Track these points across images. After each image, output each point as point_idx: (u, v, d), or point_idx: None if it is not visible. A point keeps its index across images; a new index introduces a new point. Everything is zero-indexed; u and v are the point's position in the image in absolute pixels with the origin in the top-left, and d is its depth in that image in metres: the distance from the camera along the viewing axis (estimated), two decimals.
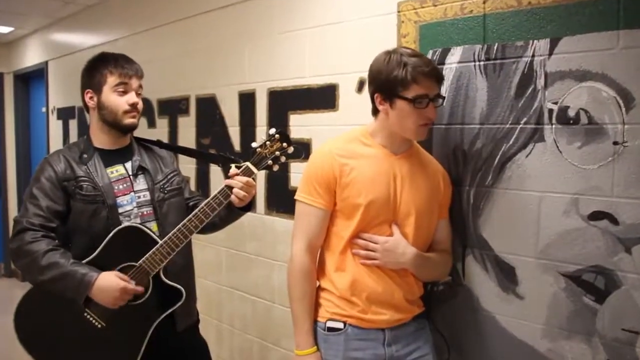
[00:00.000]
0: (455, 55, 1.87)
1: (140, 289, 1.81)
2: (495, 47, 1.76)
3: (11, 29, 5.09)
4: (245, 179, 1.81)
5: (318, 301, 1.74)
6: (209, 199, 1.83)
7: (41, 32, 5.10)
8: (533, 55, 1.68)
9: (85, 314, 1.82)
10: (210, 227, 1.99)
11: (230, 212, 1.93)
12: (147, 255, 1.81)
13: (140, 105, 1.95)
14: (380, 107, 1.68)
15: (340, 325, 1.68)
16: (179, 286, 1.87)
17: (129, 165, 1.96)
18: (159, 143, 2.13)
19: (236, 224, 2.09)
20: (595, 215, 1.58)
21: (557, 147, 1.64)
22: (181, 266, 1.96)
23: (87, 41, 4.21)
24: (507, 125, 1.75)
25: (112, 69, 1.90)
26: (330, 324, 1.70)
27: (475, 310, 1.87)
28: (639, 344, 1.52)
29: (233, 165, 1.84)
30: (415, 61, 1.58)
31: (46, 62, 4.89)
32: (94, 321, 1.83)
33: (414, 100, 1.59)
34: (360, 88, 2.19)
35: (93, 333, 1.82)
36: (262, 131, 2.57)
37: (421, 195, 1.70)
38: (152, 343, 1.86)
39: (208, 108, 2.98)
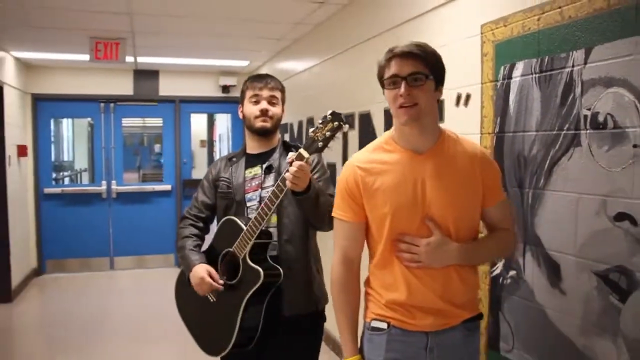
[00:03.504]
0: (518, 70, 2.04)
1: (220, 285, 2.09)
2: (546, 60, 1.91)
3: (247, 62, 6.33)
4: (297, 163, 1.85)
5: (366, 302, 1.76)
6: (274, 186, 1.98)
7: (268, 64, 6.20)
8: (573, 66, 1.79)
9: None
10: (307, 219, 2.10)
11: (298, 199, 1.99)
12: (236, 242, 2.08)
13: (271, 112, 2.21)
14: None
15: (384, 325, 1.68)
16: (259, 267, 2.03)
17: (265, 165, 2.23)
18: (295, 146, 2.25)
19: None
20: (620, 217, 1.63)
21: (590, 151, 1.73)
22: (294, 256, 2.14)
23: (296, 68, 5.06)
24: (555, 132, 1.87)
25: (248, 85, 2.26)
26: (374, 323, 1.70)
27: (531, 303, 2.00)
28: None
29: (291, 154, 1.91)
30: (393, 47, 1.61)
31: None
32: (209, 296, 2.18)
33: (385, 82, 1.61)
34: (457, 102, 2.45)
35: (210, 304, 2.19)
36: None
37: (452, 191, 1.62)
38: (265, 325, 2.08)
39: (365, 123, 3.47)
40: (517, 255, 2.07)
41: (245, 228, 2.04)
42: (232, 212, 2.20)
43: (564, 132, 1.83)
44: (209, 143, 10.85)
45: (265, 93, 2.22)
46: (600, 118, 1.69)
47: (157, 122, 7.76)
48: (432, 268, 1.62)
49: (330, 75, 4.00)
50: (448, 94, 2.53)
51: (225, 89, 7.28)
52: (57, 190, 6.91)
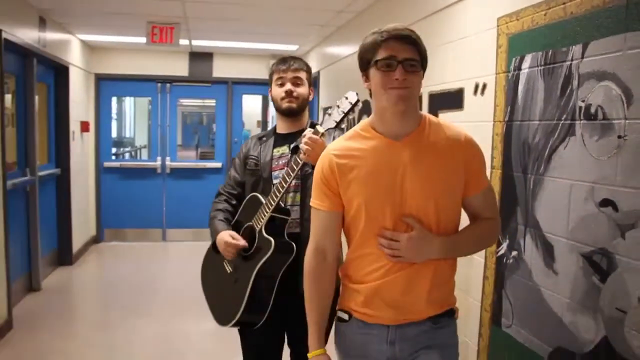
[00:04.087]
0: (527, 62, 2.16)
1: (242, 243, 2.15)
2: (549, 54, 2.02)
3: (297, 46, 6.53)
4: (311, 136, 1.95)
5: (341, 291, 1.74)
6: (290, 160, 2.08)
7: (316, 48, 6.38)
8: (572, 60, 1.90)
9: (224, 262, 2.28)
10: None
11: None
12: (255, 216, 2.18)
13: (296, 93, 2.26)
14: (366, 87, 1.62)
15: (346, 316, 1.67)
16: (269, 238, 2.09)
17: (292, 145, 2.27)
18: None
19: None
20: (604, 202, 1.75)
21: (583, 140, 1.85)
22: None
23: (341, 53, 5.22)
24: (554, 121, 1.99)
25: (274, 68, 2.33)
26: (339, 314, 1.70)
27: (529, 282, 2.13)
28: (627, 322, 1.66)
29: (309, 129, 2.03)
30: (386, 27, 1.55)
31: (318, 72, 6.13)
32: (227, 267, 2.27)
33: (378, 62, 1.53)
34: (475, 91, 2.57)
35: (226, 275, 2.27)
36: None
37: (433, 179, 1.56)
38: (283, 297, 2.13)
39: None
40: (519, 237, 2.20)
41: (264, 202, 2.14)
42: (259, 189, 2.28)
43: (562, 122, 1.95)
44: (263, 123, 11.21)
45: (289, 75, 2.27)
46: (592, 109, 1.80)
47: (213, 102, 8.11)
48: (405, 263, 1.56)
49: None
50: (467, 83, 2.66)
51: None
52: (116, 164, 7.40)
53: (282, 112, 2.31)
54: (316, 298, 1.68)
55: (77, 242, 6.18)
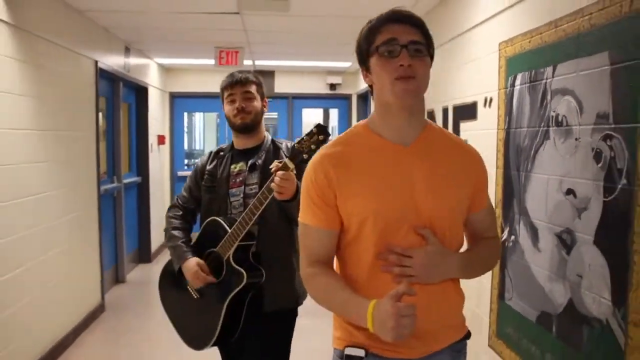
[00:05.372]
0: (518, 80, 2.63)
1: (210, 279, 2.13)
2: (533, 73, 2.48)
3: (349, 63, 7.11)
4: (281, 173, 1.92)
5: (336, 326, 1.49)
6: (259, 193, 2.03)
7: None
8: (546, 78, 2.36)
9: (188, 286, 2.25)
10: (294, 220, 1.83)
11: (285, 205, 2.04)
12: (220, 243, 2.13)
13: (248, 108, 2.21)
14: (367, 82, 1.45)
15: (361, 353, 1.39)
16: (242, 269, 2.08)
17: (250, 162, 2.24)
18: (286, 146, 2.30)
19: None
20: (568, 191, 2.20)
21: (554, 143, 2.30)
22: (275, 254, 2.18)
23: None
24: (536, 128, 2.45)
25: (223, 86, 2.28)
26: (348, 351, 1.41)
27: (522, 261, 2.59)
28: (583, 285, 2.10)
29: (275, 161, 2.00)
30: (383, 12, 1.39)
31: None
32: (192, 293, 2.24)
33: (379, 47, 1.35)
34: (485, 104, 3.05)
35: (192, 302, 2.25)
36: None
37: (446, 191, 1.41)
38: (246, 318, 2.16)
39: (430, 119, 4.11)
40: (515, 224, 2.66)
41: (229, 231, 2.10)
42: (215, 206, 2.24)
43: (541, 128, 2.41)
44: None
45: (239, 90, 2.22)
46: (560, 118, 2.26)
47: (275, 115, 8.82)
48: (424, 284, 1.36)
49: None
50: (479, 97, 3.14)
51: (332, 86, 8.14)
52: (188, 172, 8.17)
53: (237, 129, 2.26)
54: (336, 296, 1.39)
55: (155, 242, 6.96)
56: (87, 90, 4.58)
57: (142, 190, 6.71)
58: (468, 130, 3.32)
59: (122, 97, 5.82)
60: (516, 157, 2.66)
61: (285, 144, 2.31)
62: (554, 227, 2.31)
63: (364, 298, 1.32)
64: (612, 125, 1.90)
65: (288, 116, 8.34)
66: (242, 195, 2.21)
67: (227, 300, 2.11)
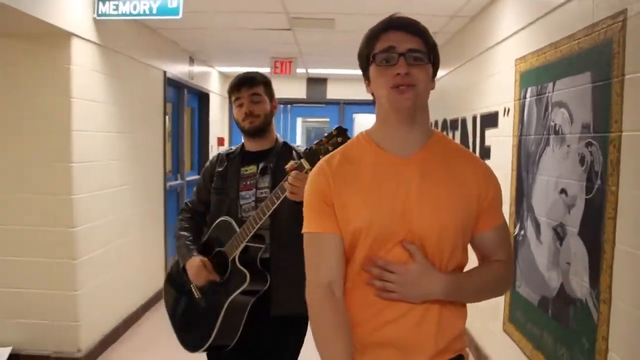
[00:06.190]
0: (529, 93, 2.98)
1: (213, 276, 2.11)
2: (539, 87, 2.83)
3: None
4: (295, 173, 1.85)
5: None
6: (271, 193, 1.98)
7: None
8: (548, 92, 2.71)
9: (192, 285, 2.22)
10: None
11: (298, 208, 1.81)
12: (228, 243, 2.10)
13: (256, 111, 2.16)
14: (368, 91, 1.42)
15: None
16: (245, 270, 2.04)
17: (261, 165, 2.20)
18: (298, 150, 2.23)
19: None
20: (562, 191, 2.55)
21: (553, 149, 2.65)
22: (285, 259, 2.07)
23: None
24: (540, 136, 2.80)
25: (230, 89, 2.22)
26: None
27: (528, 252, 2.93)
28: (571, 271, 2.44)
29: (291, 161, 1.92)
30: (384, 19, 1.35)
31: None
32: (195, 292, 2.21)
33: (376, 55, 1.32)
34: (504, 113, 3.40)
35: (193, 302, 2.23)
36: (477, 141, 3.95)
37: (438, 207, 1.34)
38: (247, 323, 2.10)
39: (462, 127, 4.47)
40: (524, 220, 3.01)
41: (238, 231, 2.07)
42: (224, 209, 2.19)
43: (543, 136, 2.76)
44: None
45: (246, 93, 2.17)
46: (557, 127, 2.61)
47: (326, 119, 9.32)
48: (406, 301, 1.33)
49: (454, 84, 5.04)
50: (500, 107, 3.50)
51: None
52: None
53: (247, 133, 2.23)
54: (336, 340, 1.33)
55: None
56: (156, 97, 5.19)
57: None
58: (491, 137, 3.68)
59: (186, 102, 6.44)
60: (526, 161, 3.01)
61: (297, 148, 2.26)
62: (551, 221, 2.65)
63: None
64: (592, 134, 2.25)
65: (340, 121, 8.80)
66: (253, 199, 2.18)
67: (228, 302, 2.07)
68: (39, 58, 3.45)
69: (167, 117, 5.56)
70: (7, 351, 3.61)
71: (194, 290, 2.23)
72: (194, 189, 2.40)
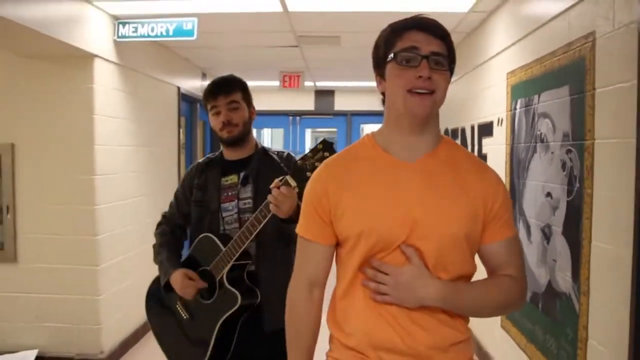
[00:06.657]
0: (518, 104, 3.20)
1: (201, 283, 2.03)
2: (527, 99, 3.06)
3: None
4: (277, 191, 1.76)
5: (329, 344, 1.44)
6: (257, 211, 1.88)
7: None
8: (534, 104, 2.94)
9: (177, 305, 2.15)
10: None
11: (285, 225, 1.87)
12: (213, 262, 2.02)
13: (234, 120, 2.06)
14: (379, 90, 1.38)
15: None
16: (236, 291, 1.98)
17: (242, 174, 2.10)
18: (280, 156, 2.18)
19: None
20: (548, 194, 2.77)
21: (539, 156, 2.87)
22: (273, 273, 2.03)
23: None
24: (528, 144, 3.02)
25: (206, 97, 2.11)
26: None
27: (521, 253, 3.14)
28: (557, 267, 2.65)
29: (276, 180, 1.82)
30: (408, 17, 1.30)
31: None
32: (181, 312, 2.14)
33: (397, 55, 1.27)
34: (498, 123, 3.62)
35: (181, 323, 2.15)
36: (475, 150, 4.17)
37: (439, 214, 1.30)
38: (240, 338, 2.04)
39: (462, 136, 4.69)
40: (517, 222, 3.22)
41: (224, 249, 1.98)
42: (206, 222, 2.11)
43: (531, 144, 2.98)
44: None
45: (222, 101, 2.08)
46: (542, 136, 2.83)
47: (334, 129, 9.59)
48: (400, 306, 1.30)
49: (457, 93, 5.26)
50: (494, 117, 3.72)
51: None
52: None
53: (225, 143, 2.15)
54: (299, 339, 1.41)
55: None
56: (171, 112, 5.47)
57: None
58: (488, 145, 3.90)
59: (198, 115, 6.72)
60: (517, 167, 3.22)
61: (279, 153, 2.20)
62: (539, 222, 2.86)
63: None
64: (571, 142, 2.47)
65: (347, 132, 9.06)
66: (236, 210, 2.09)
67: (219, 324, 2.00)
68: (64, 78, 3.73)
69: (181, 131, 5.83)
70: (33, 354, 3.85)
71: (180, 309, 2.17)
72: (171, 200, 2.30)
